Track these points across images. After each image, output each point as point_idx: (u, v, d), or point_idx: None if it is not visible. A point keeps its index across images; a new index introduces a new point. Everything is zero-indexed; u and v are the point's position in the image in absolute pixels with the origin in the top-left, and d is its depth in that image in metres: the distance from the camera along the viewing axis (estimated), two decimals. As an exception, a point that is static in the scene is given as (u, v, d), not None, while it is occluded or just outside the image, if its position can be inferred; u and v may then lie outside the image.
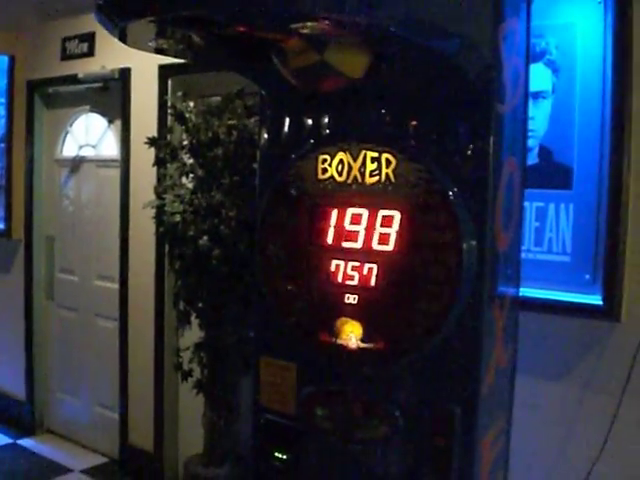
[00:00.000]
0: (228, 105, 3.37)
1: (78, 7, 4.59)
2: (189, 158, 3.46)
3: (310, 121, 1.97)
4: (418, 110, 1.78)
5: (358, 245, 1.82)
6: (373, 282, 1.79)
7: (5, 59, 5.11)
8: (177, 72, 4.12)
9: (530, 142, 2.50)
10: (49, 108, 5.26)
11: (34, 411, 5.33)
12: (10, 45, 5.10)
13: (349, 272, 1.83)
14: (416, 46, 1.59)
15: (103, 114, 4.88)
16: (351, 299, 1.82)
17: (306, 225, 1.91)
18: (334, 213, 1.86)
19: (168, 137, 3.78)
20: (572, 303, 2.54)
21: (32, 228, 5.26)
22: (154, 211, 3.51)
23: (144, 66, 4.27)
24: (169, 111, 3.79)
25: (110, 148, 4.83)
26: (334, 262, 1.85)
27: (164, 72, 4.22)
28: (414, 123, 1.79)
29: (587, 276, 2.53)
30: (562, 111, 2.57)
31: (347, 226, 1.84)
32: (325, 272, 1.87)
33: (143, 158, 4.02)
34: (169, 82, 4.22)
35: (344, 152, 1.84)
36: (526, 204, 2.32)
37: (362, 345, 1.81)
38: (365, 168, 1.80)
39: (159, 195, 3.51)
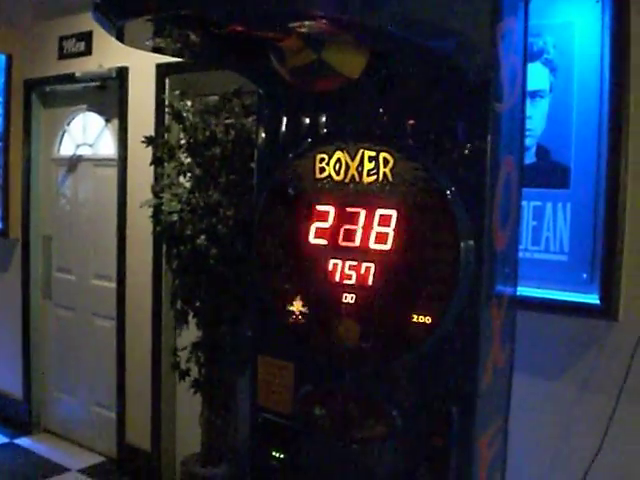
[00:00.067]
0: (225, 104, 3.36)
1: (75, 6, 4.59)
2: (186, 157, 3.46)
3: (307, 120, 1.97)
4: (416, 109, 1.79)
5: (355, 244, 1.82)
6: (371, 281, 1.79)
7: (2, 58, 5.10)
8: (174, 71, 4.12)
9: (528, 141, 2.49)
10: (46, 107, 5.25)
11: (31, 410, 5.32)
12: (7, 44, 5.09)
13: (346, 271, 1.83)
14: (414, 45, 1.59)
15: (100, 113, 4.88)
16: (348, 298, 1.82)
17: (303, 224, 1.91)
18: (332, 212, 1.86)
19: (165, 136, 3.77)
20: (569, 302, 2.54)
21: (29, 227, 5.25)
22: (151, 210, 3.50)
23: (141, 65, 4.27)
24: (166, 110, 3.79)
25: (107, 147, 4.83)
26: (331, 261, 1.85)
27: (161, 71, 4.21)
28: (412, 122, 1.79)
29: (584, 275, 2.53)
30: (560, 110, 2.57)
31: (344, 225, 1.83)
32: (322, 271, 1.87)
33: (140, 157, 4.02)
34: (166, 81, 4.22)
35: (342, 151, 1.84)
36: (524, 203, 2.32)
37: (359, 344, 1.81)
38: (363, 167, 1.80)
39: (156, 194, 3.50)
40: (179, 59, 2.13)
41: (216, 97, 3.44)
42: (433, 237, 1.70)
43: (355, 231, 1.82)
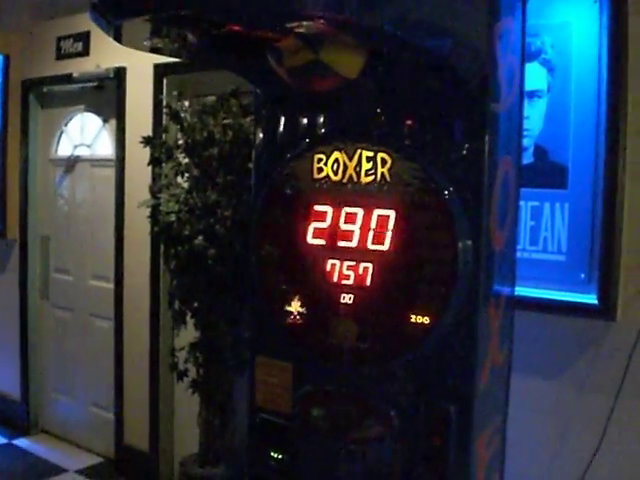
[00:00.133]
0: (223, 104, 3.36)
1: (73, 6, 4.58)
2: (184, 157, 3.46)
3: (305, 120, 1.97)
4: (413, 109, 1.78)
5: (353, 244, 1.81)
6: (368, 281, 1.79)
7: (0, 58, 5.10)
8: (172, 71, 4.12)
9: (525, 141, 2.50)
10: (44, 107, 5.25)
11: (29, 411, 5.32)
12: (5, 44, 5.09)
13: (344, 272, 1.83)
14: (411, 46, 1.59)
15: (98, 113, 4.87)
16: (346, 298, 1.82)
17: (301, 224, 1.91)
18: (329, 212, 1.86)
19: (163, 136, 3.77)
20: (567, 302, 2.55)
21: (27, 228, 5.25)
22: (149, 210, 3.50)
23: (139, 65, 4.27)
24: (164, 110, 3.78)
25: (105, 147, 4.83)
26: (329, 262, 1.85)
27: (159, 71, 4.21)
28: (409, 122, 1.79)
29: (582, 275, 2.54)
30: (557, 110, 2.57)
31: (342, 225, 1.83)
32: (320, 272, 1.87)
33: (138, 157, 4.02)
34: (164, 81, 4.22)
35: (339, 151, 1.84)
36: (521, 203, 2.32)
37: (357, 345, 1.81)
38: (360, 167, 1.80)
39: (154, 194, 3.50)
40: (177, 59, 2.13)
41: (214, 97, 3.43)
42: (431, 237, 1.70)
43: (353, 231, 1.81)
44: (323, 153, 1.86)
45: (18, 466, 4.76)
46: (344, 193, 1.83)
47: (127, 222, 4.48)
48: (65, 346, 5.15)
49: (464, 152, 1.71)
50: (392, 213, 1.75)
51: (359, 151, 1.80)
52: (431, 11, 1.52)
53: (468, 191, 1.70)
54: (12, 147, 5.17)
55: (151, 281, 4.34)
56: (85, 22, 4.11)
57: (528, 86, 2.16)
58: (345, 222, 1.83)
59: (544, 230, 2.61)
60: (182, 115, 3.43)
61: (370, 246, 1.79)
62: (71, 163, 5.08)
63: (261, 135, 2.09)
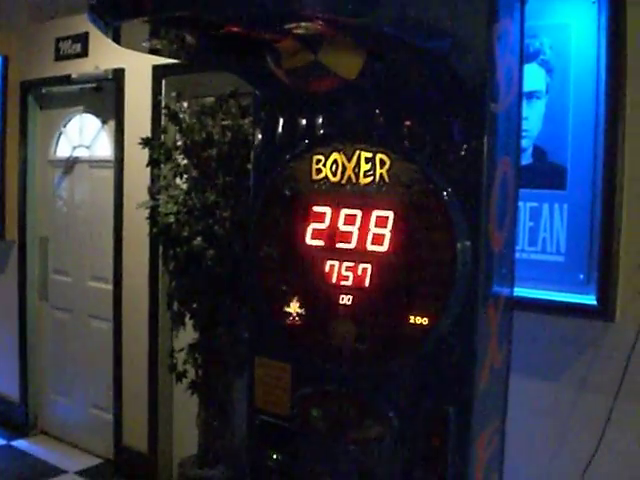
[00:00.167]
0: (222, 105, 3.36)
1: (72, 7, 4.58)
2: (183, 159, 3.46)
3: (304, 121, 1.97)
4: (412, 110, 1.78)
5: (352, 246, 1.81)
6: (367, 282, 1.79)
7: (-2, 59, 5.11)
8: (171, 72, 4.12)
9: (524, 142, 2.50)
10: (43, 109, 5.25)
11: (28, 412, 5.31)
12: (3, 45, 5.09)
13: (343, 273, 1.83)
14: (409, 47, 1.59)
15: (97, 115, 4.87)
16: (345, 299, 1.82)
17: (300, 225, 1.91)
18: (328, 213, 1.86)
19: (162, 137, 3.77)
20: (566, 303, 2.55)
21: (26, 229, 5.25)
22: (148, 212, 3.50)
23: (138, 66, 4.27)
24: (163, 111, 3.79)
25: (104, 149, 4.83)
26: (328, 263, 1.85)
27: (158, 72, 4.21)
28: (408, 123, 1.79)
29: (581, 276, 2.54)
30: (556, 111, 2.57)
31: (341, 226, 1.83)
32: (319, 273, 1.86)
33: (137, 158, 4.02)
34: (163, 82, 4.22)
35: (338, 152, 1.84)
36: (520, 204, 2.32)
37: (356, 346, 1.81)
38: (359, 168, 1.80)
39: (153, 196, 3.50)
40: (175, 60, 2.13)
41: (212, 98, 3.44)
42: (430, 238, 1.70)
43: (352, 232, 1.81)
44: (322, 154, 1.86)
45: (17, 467, 4.76)
46: (343, 194, 1.83)
47: (126, 223, 4.48)
48: (64, 347, 5.15)
49: (463, 153, 1.71)
50: (391, 214, 1.75)
51: (358, 152, 1.80)
52: (430, 12, 1.52)
53: (467, 192, 1.70)
54: (11, 148, 5.17)
55: (150, 282, 4.34)
56: (84, 23, 4.11)
57: (527, 87, 2.15)
58: (344, 223, 1.83)
59: (543, 231, 2.61)
60: (181, 116, 3.43)
61: (369, 247, 1.79)
62: (70, 164, 5.08)
63: (260, 136, 2.09)
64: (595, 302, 2.49)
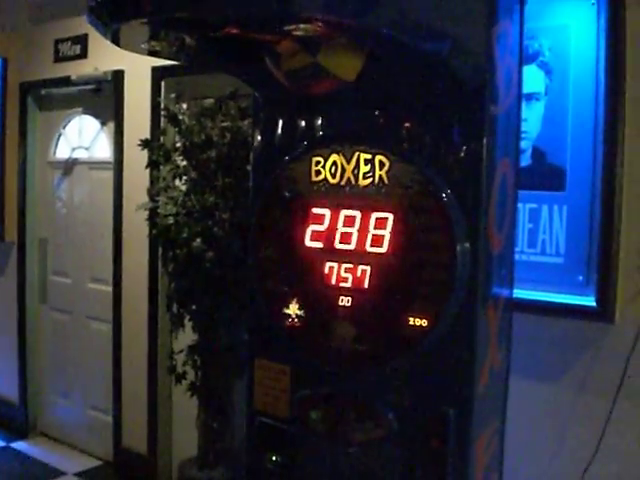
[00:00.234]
0: (221, 107, 3.37)
1: (71, 9, 4.58)
2: (182, 160, 3.46)
3: (303, 123, 1.97)
4: (411, 112, 1.78)
5: (351, 247, 1.81)
6: (367, 284, 1.79)
7: (-2, 61, 5.11)
8: (170, 74, 4.12)
9: (523, 144, 2.50)
10: (42, 110, 5.25)
11: (27, 414, 5.31)
12: (3, 47, 5.09)
13: (343, 274, 1.82)
14: (408, 48, 1.59)
15: (96, 116, 4.87)
16: (345, 301, 1.82)
17: (299, 227, 1.90)
18: (327, 215, 1.86)
19: (161, 139, 3.77)
20: (565, 305, 2.55)
21: (25, 230, 5.25)
22: (147, 213, 3.50)
23: (137, 68, 4.27)
24: (162, 113, 3.79)
25: (103, 150, 4.83)
26: (328, 264, 1.85)
27: (157, 74, 4.21)
28: (407, 125, 1.79)
29: (580, 278, 2.54)
30: (555, 113, 2.57)
31: (340, 228, 1.83)
32: (319, 274, 1.86)
33: (136, 160, 4.02)
34: (162, 84, 4.22)
35: (337, 154, 1.84)
36: (519, 205, 2.32)
37: (356, 347, 1.81)
38: (358, 170, 1.80)
39: (152, 197, 3.50)
40: (175, 62, 2.13)
41: (212, 100, 3.44)
42: (429, 240, 1.70)
43: (351, 234, 1.81)
44: (321, 156, 1.86)
45: (16, 469, 4.76)
46: (342, 196, 1.83)
47: (125, 225, 4.48)
48: (63, 349, 5.15)
49: (462, 154, 1.71)
50: (390, 216, 1.75)
51: (357, 154, 1.80)
52: (429, 13, 1.52)
53: (466, 193, 1.70)
54: (10, 149, 5.17)
55: (149, 284, 4.34)
56: (83, 25, 4.10)
57: (526, 89, 2.15)
58: (343, 225, 1.83)
59: (542, 232, 2.61)
60: (180, 118, 3.43)
61: (368, 249, 1.79)
62: (69, 166, 5.08)
63: (259, 137, 2.09)
64: (594, 304, 2.49)
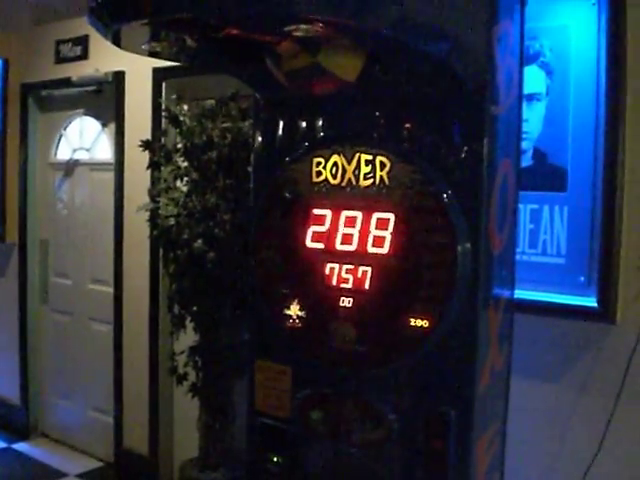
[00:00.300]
0: (222, 108, 3.36)
1: (72, 10, 4.58)
2: (183, 161, 3.46)
3: (304, 124, 1.97)
4: (412, 112, 1.78)
5: (352, 248, 1.81)
6: (368, 285, 1.79)
7: (-1, 62, 5.11)
8: (171, 75, 4.12)
9: (524, 144, 2.49)
10: (43, 111, 5.25)
11: (28, 415, 5.31)
12: (4, 48, 5.09)
13: (344, 275, 1.83)
14: (409, 49, 1.59)
15: (97, 117, 4.87)
16: (346, 302, 1.82)
17: (300, 228, 1.90)
18: (328, 216, 1.86)
19: (162, 140, 3.77)
20: (567, 305, 2.54)
21: (26, 231, 5.25)
22: (148, 214, 3.50)
23: (138, 69, 4.27)
24: (163, 114, 3.78)
25: (104, 151, 4.83)
26: (329, 265, 1.85)
27: (158, 75, 4.21)
28: (408, 125, 1.79)
29: (582, 278, 2.53)
30: (556, 113, 2.57)
31: (341, 229, 1.83)
32: (320, 275, 1.86)
33: (137, 161, 4.02)
34: (163, 85, 4.22)
35: (338, 155, 1.84)
36: (520, 206, 2.32)
37: (357, 348, 1.81)
38: (359, 171, 1.80)
39: (153, 198, 3.50)
40: (176, 63, 2.13)
41: (213, 101, 3.44)
42: (430, 240, 1.70)
43: (352, 235, 1.81)
44: (322, 156, 1.86)
45: (17, 470, 4.75)
46: (343, 196, 1.83)
47: (126, 226, 4.48)
48: (64, 350, 5.14)
49: (463, 155, 1.71)
50: (391, 216, 1.75)
51: (358, 154, 1.80)
52: (430, 14, 1.52)
53: (467, 194, 1.70)
54: (11, 151, 5.17)
55: (150, 285, 4.33)
56: (84, 26, 4.10)
57: (527, 89, 2.15)
58: (344, 225, 1.83)
59: (543, 233, 2.61)
60: (181, 119, 3.43)
61: (369, 249, 1.79)
62: (70, 167, 5.08)
63: (260, 139, 2.09)
64: (596, 304, 2.49)
